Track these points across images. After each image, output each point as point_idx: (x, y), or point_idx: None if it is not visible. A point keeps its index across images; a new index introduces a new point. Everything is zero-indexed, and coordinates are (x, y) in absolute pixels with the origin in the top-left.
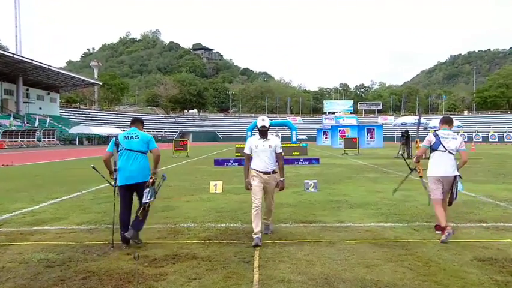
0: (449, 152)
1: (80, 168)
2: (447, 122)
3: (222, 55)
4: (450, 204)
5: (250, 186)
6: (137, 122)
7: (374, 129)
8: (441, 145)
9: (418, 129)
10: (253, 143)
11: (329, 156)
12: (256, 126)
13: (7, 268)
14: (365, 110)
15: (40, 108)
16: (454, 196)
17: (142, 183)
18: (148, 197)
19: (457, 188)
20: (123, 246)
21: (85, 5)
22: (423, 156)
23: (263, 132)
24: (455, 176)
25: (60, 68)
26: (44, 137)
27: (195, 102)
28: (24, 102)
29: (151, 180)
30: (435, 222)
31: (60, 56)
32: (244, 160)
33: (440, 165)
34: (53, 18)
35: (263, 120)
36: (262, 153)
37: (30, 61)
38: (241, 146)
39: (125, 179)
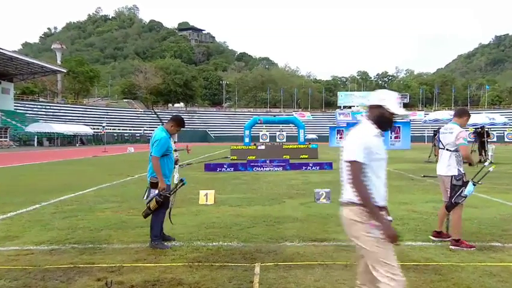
0: (446, 149)
1: (39, 175)
2: (456, 114)
3: (213, 37)
4: (446, 209)
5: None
6: (169, 121)
7: (399, 127)
8: (440, 142)
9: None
10: (373, 142)
11: None
12: (385, 110)
13: None
14: None
15: None
16: (452, 200)
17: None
18: (146, 197)
19: (459, 191)
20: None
21: None
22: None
23: (389, 124)
24: (451, 177)
25: (15, 52)
26: None
27: (181, 95)
28: None
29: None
30: (474, 240)
31: (15, 36)
32: (358, 178)
33: (438, 164)
34: None
35: (401, 105)
36: (384, 165)
37: None
38: (237, 147)
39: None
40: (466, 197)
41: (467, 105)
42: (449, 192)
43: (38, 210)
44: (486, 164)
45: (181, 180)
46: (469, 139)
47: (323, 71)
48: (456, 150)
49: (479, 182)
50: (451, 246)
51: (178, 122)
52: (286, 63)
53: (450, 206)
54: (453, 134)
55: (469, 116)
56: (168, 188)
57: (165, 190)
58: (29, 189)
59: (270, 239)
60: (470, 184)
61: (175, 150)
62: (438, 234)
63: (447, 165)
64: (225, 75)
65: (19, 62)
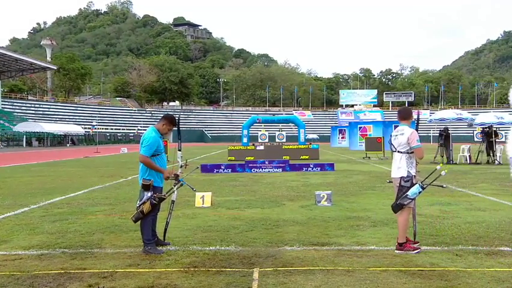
0: (398, 151)
1: (28, 177)
2: (403, 116)
3: (210, 33)
4: (392, 210)
5: None
6: (161, 120)
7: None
8: (391, 145)
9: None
10: None
11: (346, 161)
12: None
13: None
14: (392, 102)
15: None
16: (397, 201)
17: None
18: (138, 200)
19: (404, 192)
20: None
21: None
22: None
23: None
24: (400, 178)
25: (2, 48)
26: None
27: (176, 93)
28: None
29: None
30: (482, 245)
31: (3, 32)
32: None
33: (392, 167)
34: None
35: None
36: None
37: None
38: (235, 148)
39: None
40: (411, 199)
41: (474, 104)
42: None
43: (26, 213)
44: (438, 167)
45: (179, 181)
46: (476, 139)
47: (324, 68)
48: (407, 152)
49: (428, 185)
50: (396, 251)
51: (169, 120)
52: (286, 60)
53: (395, 207)
54: (404, 135)
55: (412, 115)
56: (160, 191)
57: (171, 175)
58: (17, 191)
59: (269, 243)
60: (416, 186)
61: (181, 166)
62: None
63: (397, 167)
64: (222, 72)
65: (7, 59)
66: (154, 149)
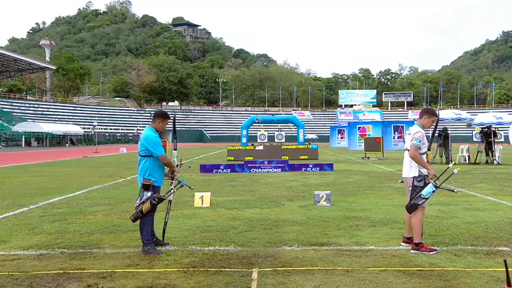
0: (407, 149)
1: (26, 177)
2: (420, 114)
3: (209, 33)
4: (407, 210)
5: None
6: (154, 118)
7: (403, 126)
8: (404, 143)
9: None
10: None
11: (345, 161)
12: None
13: None
14: (391, 102)
15: None
16: (411, 202)
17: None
18: (138, 200)
19: (417, 192)
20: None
21: None
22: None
23: None
24: (413, 178)
25: (1, 48)
26: None
27: (175, 93)
28: None
29: (141, 184)
30: (481, 245)
31: (1, 32)
32: None
33: (403, 165)
34: None
35: None
36: None
37: None
38: (234, 148)
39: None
40: (425, 198)
41: (473, 104)
42: (409, 194)
43: (25, 213)
44: (450, 165)
45: (178, 182)
46: (475, 139)
47: (324, 68)
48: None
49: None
50: (411, 251)
51: (162, 115)
52: (285, 60)
53: (409, 208)
54: (410, 135)
55: (429, 115)
56: (159, 191)
57: (174, 172)
58: (16, 191)
59: (268, 243)
60: (430, 185)
61: (177, 165)
62: (408, 240)
63: (409, 167)
64: (222, 72)
65: (5, 59)
66: (161, 146)
